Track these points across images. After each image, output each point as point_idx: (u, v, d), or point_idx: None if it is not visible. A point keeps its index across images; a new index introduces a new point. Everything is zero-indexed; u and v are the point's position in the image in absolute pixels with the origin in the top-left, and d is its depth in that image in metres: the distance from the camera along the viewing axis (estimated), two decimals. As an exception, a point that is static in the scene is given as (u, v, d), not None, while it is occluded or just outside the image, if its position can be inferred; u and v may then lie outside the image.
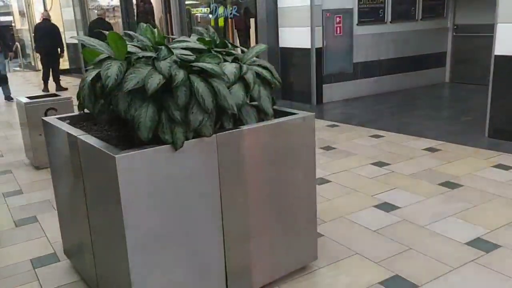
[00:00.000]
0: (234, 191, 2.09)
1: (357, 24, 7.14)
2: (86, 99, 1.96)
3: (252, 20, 8.09)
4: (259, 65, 2.34)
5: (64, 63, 12.61)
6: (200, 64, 1.96)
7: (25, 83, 11.98)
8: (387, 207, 3.24)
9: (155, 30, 2.16)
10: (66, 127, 2.30)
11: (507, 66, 4.61)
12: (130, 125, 1.91)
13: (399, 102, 6.97)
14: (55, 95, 4.88)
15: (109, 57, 1.99)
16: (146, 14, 11.74)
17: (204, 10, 8.99)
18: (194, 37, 2.43)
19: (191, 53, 2.10)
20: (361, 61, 7.30)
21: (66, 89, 9.93)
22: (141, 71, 1.88)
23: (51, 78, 9.86)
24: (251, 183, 2.14)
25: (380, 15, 7.37)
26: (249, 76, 2.20)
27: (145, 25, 2.28)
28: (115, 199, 1.79)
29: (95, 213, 2.11)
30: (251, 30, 8.20)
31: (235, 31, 8.91)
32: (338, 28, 6.94)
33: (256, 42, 7.79)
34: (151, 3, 11.84)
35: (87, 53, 2.13)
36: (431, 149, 4.53)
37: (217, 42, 2.40)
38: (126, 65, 1.92)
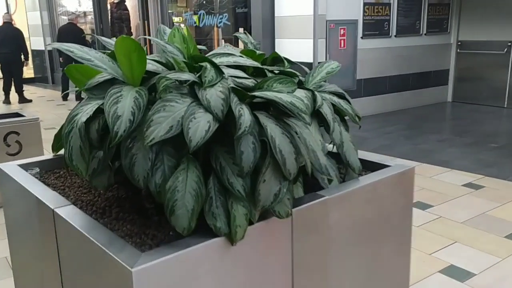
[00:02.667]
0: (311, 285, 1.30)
1: (362, 37, 6.49)
2: (76, 155, 1.13)
3: (241, 30, 7.35)
4: (332, 93, 1.58)
5: (28, 72, 11.49)
6: (270, 94, 1.17)
7: (-17, 93, 10.80)
8: (457, 273, 2.51)
9: (186, 34, 1.36)
10: (34, 186, 1.46)
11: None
12: (151, 201, 1.11)
13: (409, 123, 6.34)
14: (18, 114, 3.95)
15: (114, 80, 1.19)
16: (122, 20, 10.84)
17: (188, 17, 8.17)
18: (229, 48, 1.64)
19: (246, 75, 1.32)
20: (365, 77, 6.65)
21: (30, 100, 8.87)
22: (175, 107, 1.08)
23: (13, 88, 8.77)
24: (333, 270, 1.36)
25: (385, 28, 6.76)
26: (327, 111, 1.43)
27: (166, 28, 1.47)
28: None
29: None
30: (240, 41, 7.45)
31: (221, 41, 8.14)
32: (342, 41, 6.27)
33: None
34: (127, 9, 10.95)
35: (75, 72, 1.30)
36: (472, 186, 3.86)
37: (264, 56, 1.63)
38: (146, 95, 1.12)
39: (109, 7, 10.67)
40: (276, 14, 6.52)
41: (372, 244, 1.49)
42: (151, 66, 1.26)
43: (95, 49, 1.68)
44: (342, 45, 6.30)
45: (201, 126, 1.04)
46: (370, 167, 1.63)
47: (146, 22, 9.91)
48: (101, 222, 1.25)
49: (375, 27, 6.64)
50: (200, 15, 7.88)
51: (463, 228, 3.06)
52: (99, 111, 1.15)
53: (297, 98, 1.18)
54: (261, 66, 1.43)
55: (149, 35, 9.95)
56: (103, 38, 1.53)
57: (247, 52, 1.57)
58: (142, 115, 1.08)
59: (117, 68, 1.21)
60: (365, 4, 6.43)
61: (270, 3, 6.55)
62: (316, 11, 5.94)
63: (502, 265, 2.59)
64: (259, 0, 6.49)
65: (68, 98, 9.05)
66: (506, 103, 7.17)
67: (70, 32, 8.64)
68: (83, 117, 1.10)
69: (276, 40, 6.60)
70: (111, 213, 1.31)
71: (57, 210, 1.27)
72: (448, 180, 4.02)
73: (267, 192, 1.10)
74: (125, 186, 1.46)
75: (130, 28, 11.06)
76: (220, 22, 7.38)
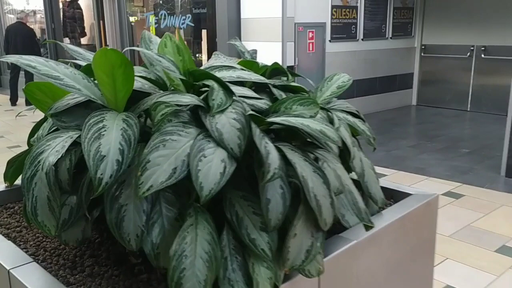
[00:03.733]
0: None
1: (330, 41, 6.36)
2: (42, 208, 0.84)
3: (204, 32, 7.07)
4: (346, 111, 1.35)
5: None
6: (294, 121, 0.93)
7: None
8: (455, 294, 2.36)
9: (179, 42, 1.09)
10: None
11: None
12: (137, 254, 0.85)
13: (378, 128, 6.27)
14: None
15: (90, 103, 0.91)
16: (75, 20, 10.28)
17: (148, 17, 7.78)
18: (221, 57, 1.40)
19: (254, 94, 1.07)
20: (333, 81, 6.51)
21: (-26, 106, 8.20)
22: (178, 141, 0.82)
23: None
24: None
25: (353, 32, 6.66)
26: (345, 134, 1.20)
27: (152, 35, 1.20)
28: None
29: None
30: (202, 43, 7.19)
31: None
32: (310, 45, 6.11)
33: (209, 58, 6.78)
34: (80, 8, 10.38)
35: (37, 91, 1.01)
36: (452, 195, 3.77)
37: (266, 68, 1.38)
38: (137, 124, 0.85)
39: (61, 5, 10.09)
40: (242, 16, 6.28)
41: (397, 283, 1.28)
42: (136, 83, 0.99)
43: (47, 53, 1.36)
44: (311, 49, 6.14)
45: (214, 168, 0.79)
46: (387, 194, 1.42)
47: (101, 22, 9.44)
48: (71, 282, 0.97)
49: (343, 30, 6.53)
50: (161, 15, 7.51)
51: (451, 243, 2.93)
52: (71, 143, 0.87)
53: (327, 125, 0.95)
54: (267, 82, 1.19)
55: (105, 36, 9.51)
56: (63, 44, 1.24)
57: (245, 63, 1.33)
58: (133, 152, 0.81)
59: (95, 88, 0.93)
60: (333, 6, 6.30)
61: (235, 4, 6.30)
62: (284, 13, 5.76)
63: (499, 283, 2.46)
64: (224, 0, 6.23)
65: (17, 103, 8.43)
66: (469, 106, 7.26)
67: (19, 32, 8.06)
68: (51, 156, 0.82)
69: (243, 43, 6.34)
70: (83, 266, 1.03)
71: (13, 272, 0.97)
72: (427, 189, 3.91)
73: (297, 248, 0.85)
74: (98, 225, 1.18)
75: (83, 28, 10.52)
76: (182, 23, 7.05)
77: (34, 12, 10.88)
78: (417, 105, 7.91)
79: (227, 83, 0.95)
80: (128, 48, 0.95)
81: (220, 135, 0.84)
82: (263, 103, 1.04)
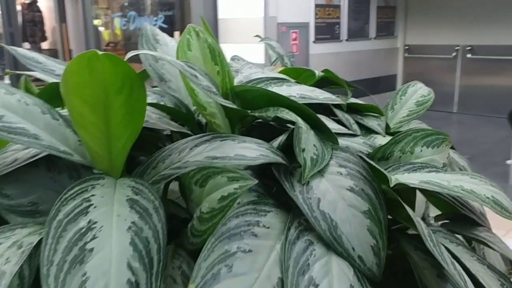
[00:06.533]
0: None
1: (314, 42, 5.99)
2: None
3: (177, 34, 6.59)
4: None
5: None
6: (447, 184, 0.50)
7: None
8: None
9: (212, 41, 0.64)
10: None
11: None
12: None
13: (366, 133, 5.94)
14: None
15: (56, 162, 0.45)
16: (35, 23, 9.60)
17: (116, 19, 7.23)
18: (251, 64, 0.96)
19: (343, 127, 0.64)
20: (317, 85, 6.15)
21: None
22: (256, 252, 0.37)
23: None
24: None
25: (336, 32, 6.32)
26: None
27: (156, 30, 0.75)
28: None
29: None
30: (175, 46, 6.70)
31: (155, 46, 7.29)
32: (294, 46, 5.72)
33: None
34: (40, 11, 9.69)
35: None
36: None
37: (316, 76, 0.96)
38: (162, 213, 0.40)
39: (19, 8, 9.38)
40: (219, 16, 5.83)
41: None
42: (161, 120, 0.54)
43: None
44: (295, 50, 5.75)
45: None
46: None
47: (63, 25, 8.83)
48: None
49: (326, 30, 6.18)
50: (129, 17, 6.98)
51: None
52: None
53: (496, 188, 0.52)
54: (338, 102, 0.76)
55: (68, 39, 8.93)
56: (18, 49, 0.78)
57: (291, 72, 0.90)
58: (160, 277, 0.37)
59: (67, 131, 0.48)
60: (316, 5, 5.94)
61: (212, 3, 5.85)
62: (267, 12, 5.34)
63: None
64: (200, 0, 5.77)
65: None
66: (455, 108, 7.04)
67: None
68: None
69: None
70: None
71: None
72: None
73: None
74: None
75: (44, 32, 9.87)
76: (155, 25, 6.54)
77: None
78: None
79: (317, 116, 0.52)
80: (134, 52, 0.52)
81: (332, 229, 0.41)
82: (361, 143, 0.61)
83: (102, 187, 0.44)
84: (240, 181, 0.38)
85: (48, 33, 9.75)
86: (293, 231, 0.42)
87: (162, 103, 0.58)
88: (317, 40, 6.00)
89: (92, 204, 0.40)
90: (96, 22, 8.18)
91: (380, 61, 7.10)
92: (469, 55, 6.70)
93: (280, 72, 0.92)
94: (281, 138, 0.49)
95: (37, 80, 0.95)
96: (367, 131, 0.81)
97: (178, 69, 0.49)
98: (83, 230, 0.37)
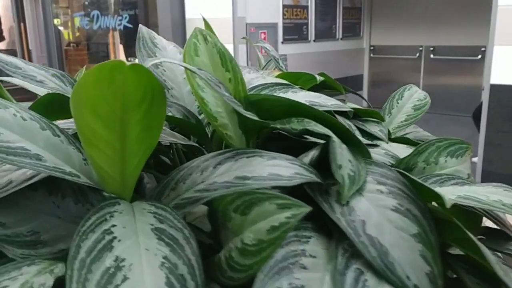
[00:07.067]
0: None
1: (282, 42, 5.99)
2: None
3: (142, 34, 6.43)
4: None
5: None
6: (486, 199, 0.47)
7: None
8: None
9: (221, 45, 0.59)
10: None
11: (503, 97, 3.83)
12: None
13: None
14: None
15: (65, 182, 0.39)
16: (-10, 22, 9.17)
17: (79, 18, 6.99)
18: (249, 69, 0.92)
19: (361, 137, 0.60)
20: (286, 85, 6.15)
21: None
22: (308, 287, 0.32)
23: None
24: None
25: (304, 33, 6.34)
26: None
27: (152, 33, 0.69)
28: None
29: None
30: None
31: (120, 47, 7.11)
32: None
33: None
34: (-4, 9, 9.27)
35: None
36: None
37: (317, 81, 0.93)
38: (194, 245, 0.35)
39: (-27, 6, 8.95)
40: (187, 16, 5.74)
41: None
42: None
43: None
44: (264, 51, 5.71)
45: None
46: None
47: (22, 24, 8.49)
48: None
49: (294, 31, 6.19)
50: (92, 16, 6.77)
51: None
52: None
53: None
54: (348, 109, 0.72)
55: (27, 39, 8.61)
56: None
57: (287, 76, 0.86)
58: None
59: (70, 149, 0.42)
60: (284, 6, 5.94)
61: (179, 3, 5.75)
62: (235, 13, 5.29)
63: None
64: (167, 0, 5.66)
65: None
66: (419, 107, 7.20)
67: None
68: None
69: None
70: None
71: None
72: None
73: None
74: None
75: (1, 31, 9.46)
76: (119, 25, 6.36)
77: None
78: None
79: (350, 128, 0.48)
80: (154, 60, 0.46)
81: (382, 255, 0.37)
82: (382, 154, 0.57)
83: (121, 215, 0.38)
84: (292, 208, 0.33)
85: (5, 33, 9.35)
86: (341, 260, 0.38)
87: (170, 114, 0.53)
88: (285, 40, 6.00)
89: (115, 237, 0.35)
90: (56, 21, 7.91)
91: (346, 61, 7.18)
92: (432, 56, 6.87)
93: (278, 76, 0.88)
94: (312, 153, 0.45)
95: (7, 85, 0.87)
96: (369, 137, 0.78)
97: (203, 78, 0.44)
98: (111, 270, 0.32)
